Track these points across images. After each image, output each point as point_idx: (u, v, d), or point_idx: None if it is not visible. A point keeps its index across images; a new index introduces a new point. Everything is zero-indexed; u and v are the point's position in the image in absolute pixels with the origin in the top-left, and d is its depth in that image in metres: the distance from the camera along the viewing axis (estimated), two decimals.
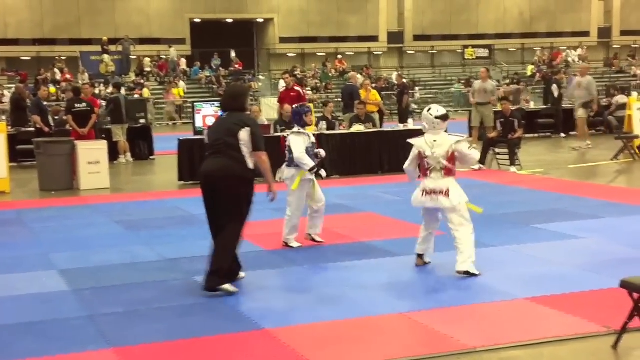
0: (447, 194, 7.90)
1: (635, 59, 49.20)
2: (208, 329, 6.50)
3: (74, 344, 6.22)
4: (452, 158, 7.99)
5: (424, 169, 8.06)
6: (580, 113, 20.34)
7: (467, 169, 15.08)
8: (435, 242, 8.44)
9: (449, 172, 7.98)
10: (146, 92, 36.05)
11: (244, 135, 7.46)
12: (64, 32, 41.72)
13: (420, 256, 8.39)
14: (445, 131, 8.12)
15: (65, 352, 6.04)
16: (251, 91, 35.84)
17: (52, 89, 33.18)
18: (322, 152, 9.88)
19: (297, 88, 19.14)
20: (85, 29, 41.99)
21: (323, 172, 9.76)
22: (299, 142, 9.33)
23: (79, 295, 7.69)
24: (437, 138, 8.00)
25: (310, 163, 9.24)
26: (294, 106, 10.47)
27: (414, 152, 8.18)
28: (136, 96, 35.74)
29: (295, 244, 9.50)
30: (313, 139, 9.57)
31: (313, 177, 9.45)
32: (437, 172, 7.97)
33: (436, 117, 8.00)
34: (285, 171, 9.56)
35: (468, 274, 7.82)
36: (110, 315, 7.00)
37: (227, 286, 7.43)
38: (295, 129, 9.55)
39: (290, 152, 9.42)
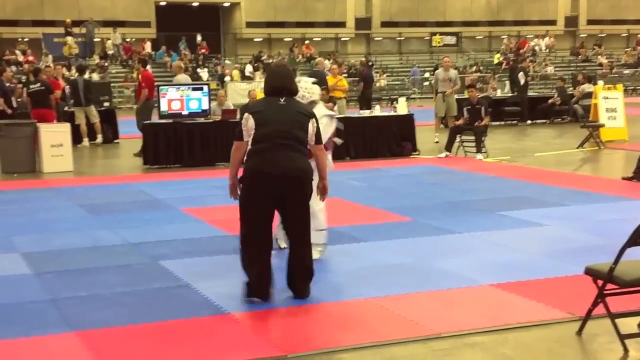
0: None
1: (602, 48, 49.66)
2: (172, 313, 6.43)
3: (35, 327, 6.14)
4: None
5: None
6: None
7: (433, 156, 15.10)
8: (397, 227, 8.35)
9: None
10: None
11: (311, 128, 6.57)
12: (27, 13, 41.04)
13: None
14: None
15: (27, 335, 5.95)
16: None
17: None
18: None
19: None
20: (48, 10, 41.39)
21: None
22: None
23: (41, 278, 7.60)
24: None
25: None
26: None
27: None
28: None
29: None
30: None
31: None
32: None
33: None
34: None
35: None
36: (72, 298, 6.92)
37: None
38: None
39: None
